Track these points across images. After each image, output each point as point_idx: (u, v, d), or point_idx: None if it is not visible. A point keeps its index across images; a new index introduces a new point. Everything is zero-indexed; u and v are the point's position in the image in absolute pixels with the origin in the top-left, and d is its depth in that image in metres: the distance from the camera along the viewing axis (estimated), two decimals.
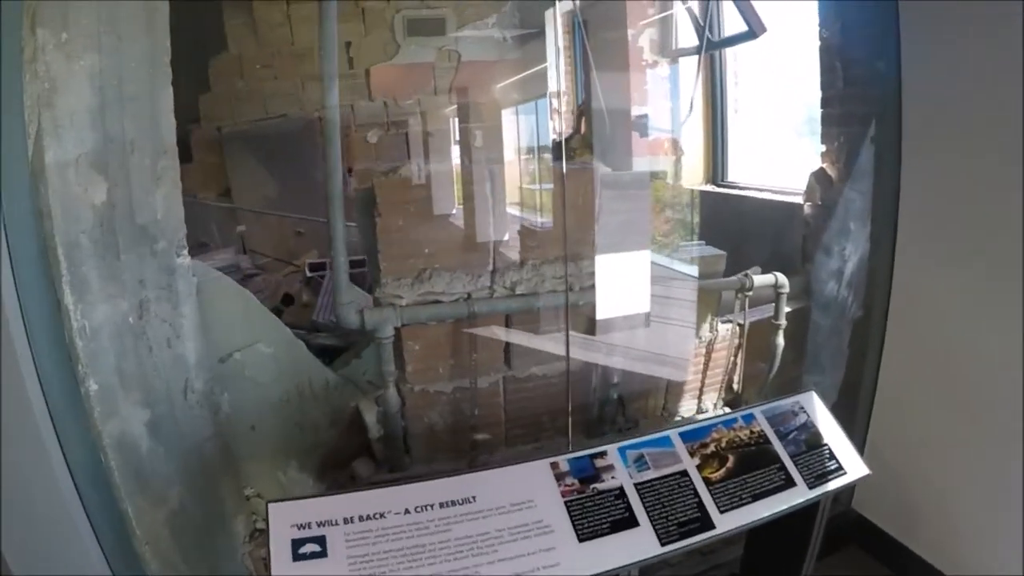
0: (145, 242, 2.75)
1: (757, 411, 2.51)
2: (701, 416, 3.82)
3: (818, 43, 3.30)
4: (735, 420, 2.45)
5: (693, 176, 5.20)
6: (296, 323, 3.74)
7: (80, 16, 2.41)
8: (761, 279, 3.61)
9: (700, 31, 4.69)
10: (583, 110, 5.16)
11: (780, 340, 3.67)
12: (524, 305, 3.18)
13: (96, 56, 2.48)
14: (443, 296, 3.05)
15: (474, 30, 5.77)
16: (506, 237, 3.22)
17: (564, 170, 3.20)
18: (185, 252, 2.92)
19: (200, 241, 5.32)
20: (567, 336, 3.21)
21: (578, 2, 4.76)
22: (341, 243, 2.94)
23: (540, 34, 5.41)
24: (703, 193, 4.87)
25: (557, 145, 4.93)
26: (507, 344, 3.31)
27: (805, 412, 2.54)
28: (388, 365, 3.08)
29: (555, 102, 5.13)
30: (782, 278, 3.60)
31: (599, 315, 3.28)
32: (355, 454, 3.35)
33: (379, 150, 5.88)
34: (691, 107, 4.88)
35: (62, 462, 2.39)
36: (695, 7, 4.71)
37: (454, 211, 3.17)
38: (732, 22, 4.52)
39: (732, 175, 5.18)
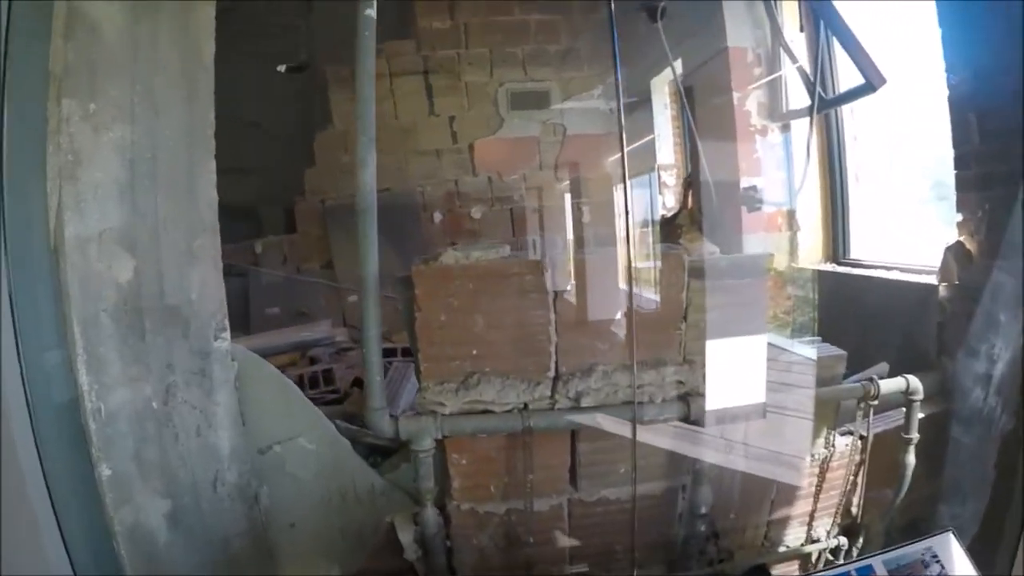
0: (176, 324, 2.60)
1: (877, 561, 1.98)
2: (811, 548, 3.05)
3: (946, 93, 2.74)
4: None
5: (810, 254, 4.52)
6: (359, 412, 3.42)
7: (110, 87, 2.33)
8: (889, 384, 2.88)
9: (811, 88, 4.10)
10: (690, 183, 4.66)
11: (910, 458, 2.89)
12: (591, 420, 2.63)
13: (127, 128, 2.40)
14: (493, 406, 2.57)
15: (579, 102, 5.51)
16: (618, 316, 2.72)
17: (630, 257, 2.69)
18: (224, 335, 2.74)
19: (300, 311, 5.31)
20: (633, 459, 2.62)
21: (679, 69, 4.32)
22: (375, 338, 2.58)
23: (648, 103, 5.02)
24: (821, 274, 4.13)
25: (665, 222, 4.43)
26: (573, 461, 2.76)
27: (939, 562, 1.95)
28: (426, 481, 2.62)
29: (663, 175, 4.67)
30: (915, 383, 2.85)
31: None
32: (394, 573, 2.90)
33: (483, 226, 5.70)
34: (804, 174, 4.25)
35: (60, 545, 2.20)
36: (805, 64, 4.15)
37: (569, 287, 2.71)
38: (847, 76, 3.98)
39: (855, 251, 4.45)
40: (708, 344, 2.69)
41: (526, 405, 2.60)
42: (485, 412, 2.57)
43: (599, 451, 2.76)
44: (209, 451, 2.67)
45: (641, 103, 5.16)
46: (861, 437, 3.02)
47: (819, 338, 3.19)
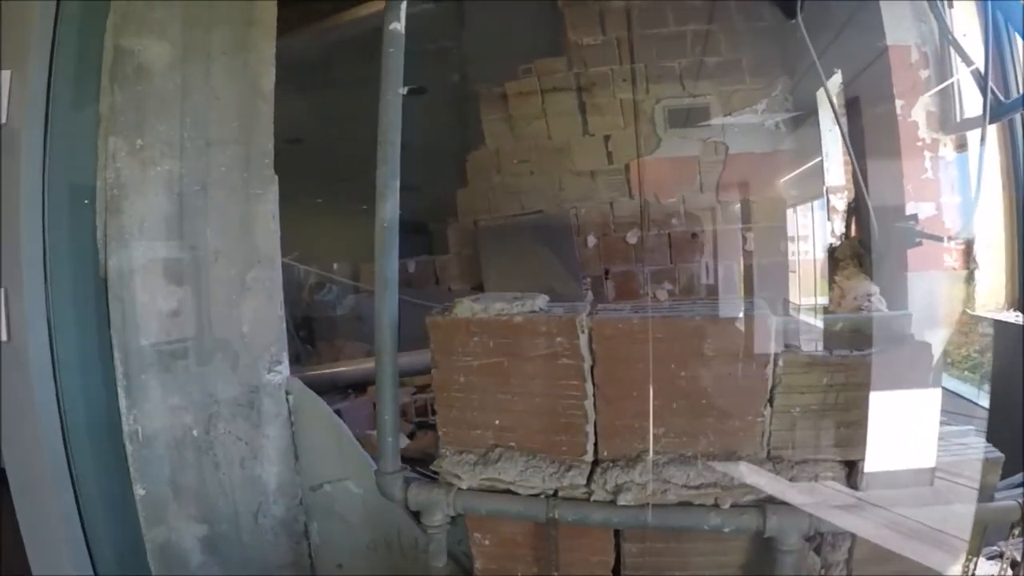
0: (225, 356, 2.62)
1: None
2: None
3: None
4: None
5: (991, 297, 3.45)
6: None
7: (158, 123, 2.38)
8: None
9: (983, 90, 3.03)
10: (853, 209, 3.77)
11: None
12: (632, 520, 2.10)
13: (176, 163, 2.45)
14: (516, 487, 2.17)
15: (742, 118, 4.76)
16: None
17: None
18: (280, 368, 2.72)
19: None
20: None
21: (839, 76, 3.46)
22: (390, 397, 2.31)
23: (815, 117, 4.15)
24: (999, 326, 3.01)
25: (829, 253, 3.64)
26: (618, 561, 2.25)
27: None
28: (436, 560, 2.31)
29: (832, 198, 3.83)
30: None
31: None
32: None
33: (639, 252, 5.22)
34: (976, 195, 3.19)
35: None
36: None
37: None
38: None
39: None
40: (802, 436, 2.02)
41: (555, 492, 2.15)
42: (507, 492, 2.19)
43: (651, 553, 2.22)
44: (253, 483, 2.66)
45: (807, 116, 4.33)
46: (1014, 564, 2.12)
47: (972, 428, 2.27)
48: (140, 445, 2.43)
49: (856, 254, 3.96)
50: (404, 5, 2.25)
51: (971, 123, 3.33)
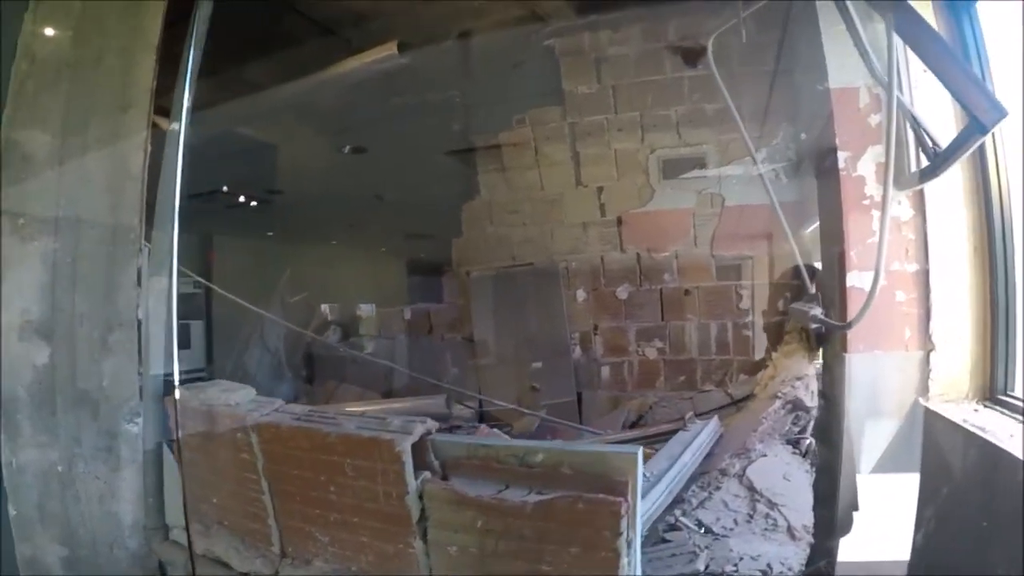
0: (85, 406, 3.02)
1: None
2: None
3: None
4: None
5: (955, 386, 2.85)
6: None
7: (37, 204, 2.83)
8: None
9: (921, 141, 2.63)
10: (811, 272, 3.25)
11: None
12: None
13: (51, 238, 2.89)
14: (227, 561, 2.23)
15: (740, 167, 4.29)
16: None
17: None
18: (138, 420, 3.03)
19: (439, 381, 5.40)
20: None
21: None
22: None
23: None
24: (968, 438, 2.39)
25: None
26: None
27: None
28: None
29: None
30: None
31: None
32: None
33: (629, 308, 4.97)
34: (927, 265, 2.81)
35: None
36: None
37: None
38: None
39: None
40: None
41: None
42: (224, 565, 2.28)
43: None
44: (110, 518, 2.99)
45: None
46: None
47: None
48: (14, 472, 2.87)
49: (803, 327, 3.46)
50: (188, 108, 2.47)
51: (929, 174, 2.78)
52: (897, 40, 2.53)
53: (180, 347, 2.97)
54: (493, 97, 5.24)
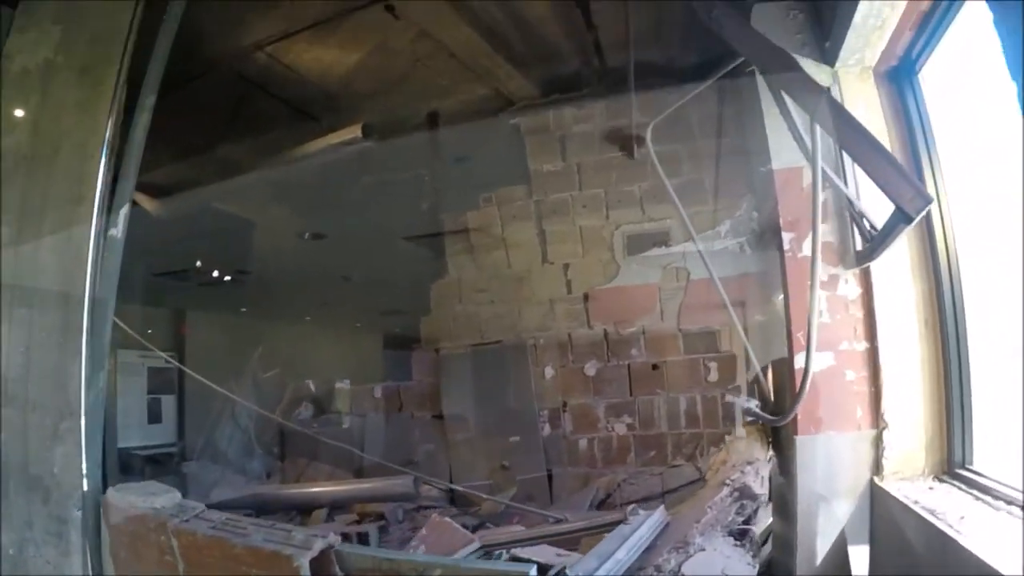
0: (37, 491, 2.92)
1: None
2: None
3: None
4: None
5: (911, 462, 2.83)
6: None
7: None
8: None
9: (858, 224, 2.70)
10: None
11: None
12: None
13: (6, 327, 2.87)
14: None
15: (705, 242, 4.38)
16: None
17: None
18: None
19: (410, 460, 5.33)
20: None
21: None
22: None
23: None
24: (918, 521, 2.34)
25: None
26: None
27: None
28: None
29: None
30: None
31: None
32: None
33: (597, 384, 4.96)
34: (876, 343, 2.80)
35: None
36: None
37: None
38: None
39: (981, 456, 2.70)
40: None
41: None
42: None
43: None
44: None
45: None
46: None
47: None
48: None
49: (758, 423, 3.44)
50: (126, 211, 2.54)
51: (862, 258, 2.84)
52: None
53: (151, 421, 2.96)
54: (460, 177, 5.37)
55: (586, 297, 5.01)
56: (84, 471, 2.94)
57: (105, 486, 2.82)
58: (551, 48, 4.59)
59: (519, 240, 5.17)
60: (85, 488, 2.92)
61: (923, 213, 2.14)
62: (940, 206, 2.80)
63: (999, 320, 2.72)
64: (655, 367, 4.77)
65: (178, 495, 2.42)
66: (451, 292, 5.51)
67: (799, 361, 2.82)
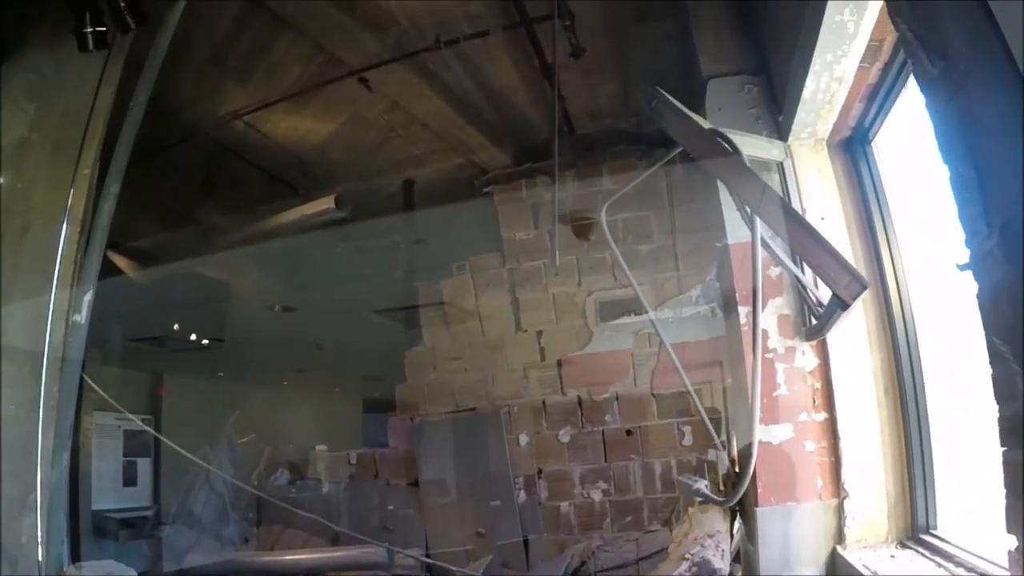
0: (8, 562, 2.95)
1: None
2: None
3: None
4: None
5: (874, 529, 2.82)
6: None
7: None
8: None
9: (806, 300, 2.76)
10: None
11: None
12: None
13: None
14: None
15: (676, 307, 4.45)
16: None
17: None
18: None
19: (385, 526, 5.25)
20: None
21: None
22: None
23: None
24: None
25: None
26: None
27: None
28: None
29: None
30: None
31: None
32: None
33: (572, 451, 4.95)
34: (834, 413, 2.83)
35: None
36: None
37: None
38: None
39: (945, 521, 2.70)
40: None
41: None
42: None
43: None
44: None
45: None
46: None
47: None
48: None
49: (724, 481, 3.44)
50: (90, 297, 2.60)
51: (811, 334, 2.90)
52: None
53: (126, 484, 2.96)
54: (434, 245, 5.44)
55: (559, 364, 5.05)
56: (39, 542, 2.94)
57: (77, 554, 2.79)
58: (521, 118, 4.75)
59: (492, 308, 5.23)
60: (40, 558, 2.94)
61: (858, 299, 2.21)
62: (896, 273, 2.89)
63: (958, 382, 2.77)
64: (629, 432, 4.77)
65: (135, 573, 2.37)
66: (425, 360, 5.53)
67: (759, 432, 2.85)
